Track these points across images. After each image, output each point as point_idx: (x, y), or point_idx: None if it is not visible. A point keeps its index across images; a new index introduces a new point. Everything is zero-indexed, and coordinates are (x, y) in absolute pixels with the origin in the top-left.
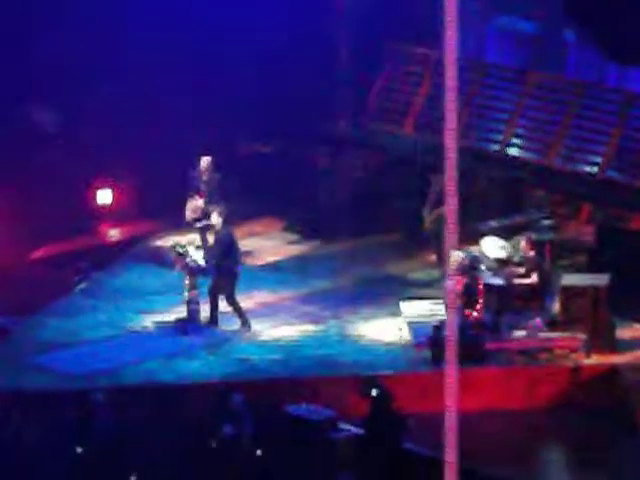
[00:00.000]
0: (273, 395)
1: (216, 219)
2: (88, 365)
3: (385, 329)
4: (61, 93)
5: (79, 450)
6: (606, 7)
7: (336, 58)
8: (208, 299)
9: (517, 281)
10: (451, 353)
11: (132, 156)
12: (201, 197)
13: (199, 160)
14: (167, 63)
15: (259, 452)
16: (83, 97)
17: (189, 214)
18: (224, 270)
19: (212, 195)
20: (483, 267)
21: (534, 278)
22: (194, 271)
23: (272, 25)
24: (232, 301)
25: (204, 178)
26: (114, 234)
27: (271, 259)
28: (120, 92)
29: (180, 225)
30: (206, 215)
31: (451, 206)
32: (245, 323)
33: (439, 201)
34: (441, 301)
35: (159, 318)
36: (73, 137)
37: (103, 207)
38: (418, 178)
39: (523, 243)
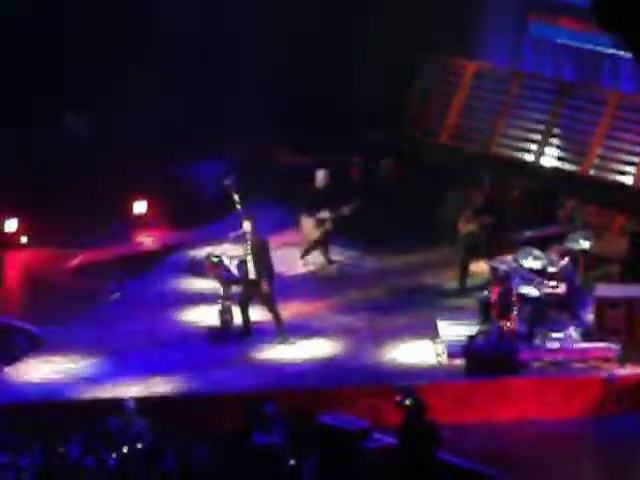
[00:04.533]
0: (307, 405)
1: (249, 227)
2: (123, 374)
3: (420, 339)
4: (95, 101)
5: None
6: (638, 15)
7: (372, 68)
8: (239, 309)
9: (550, 291)
10: None
11: (167, 166)
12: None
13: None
14: (200, 74)
15: (292, 462)
16: (118, 105)
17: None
18: (259, 278)
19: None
20: (518, 277)
21: (566, 288)
22: (228, 281)
23: (307, 32)
24: (273, 308)
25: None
26: (149, 244)
27: (306, 269)
28: (156, 104)
29: (214, 235)
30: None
31: None
32: (282, 333)
33: (474, 216)
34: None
35: (193, 327)
36: (109, 146)
37: (139, 217)
38: (454, 188)
39: (557, 253)
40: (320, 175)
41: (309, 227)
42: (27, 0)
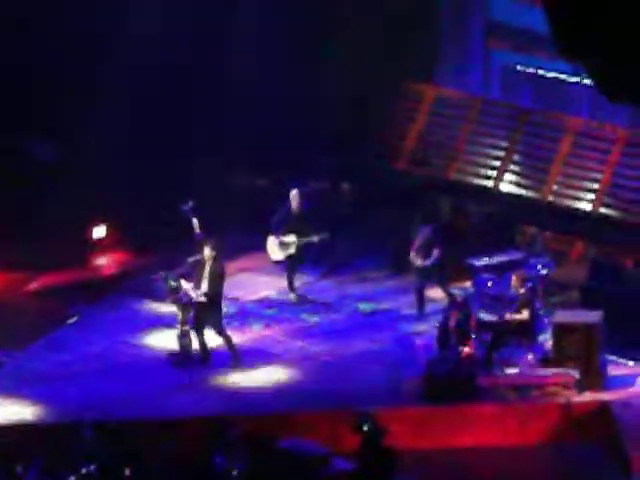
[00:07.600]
0: (266, 430)
1: (208, 252)
2: (80, 398)
3: (378, 365)
4: (58, 127)
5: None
6: (597, 42)
7: (331, 91)
8: (195, 333)
9: (509, 317)
10: None
11: (126, 190)
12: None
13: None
14: (161, 97)
15: None
16: (80, 129)
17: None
18: (211, 303)
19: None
20: (476, 303)
21: (525, 314)
22: (186, 305)
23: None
24: (222, 332)
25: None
26: (107, 267)
27: (264, 293)
28: (116, 124)
29: (173, 259)
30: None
31: None
32: (236, 357)
33: (424, 247)
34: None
35: (151, 352)
36: (69, 170)
37: (97, 241)
38: (410, 215)
39: (516, 279)
40: (293, 194)
41: (273, 247)
42: None
